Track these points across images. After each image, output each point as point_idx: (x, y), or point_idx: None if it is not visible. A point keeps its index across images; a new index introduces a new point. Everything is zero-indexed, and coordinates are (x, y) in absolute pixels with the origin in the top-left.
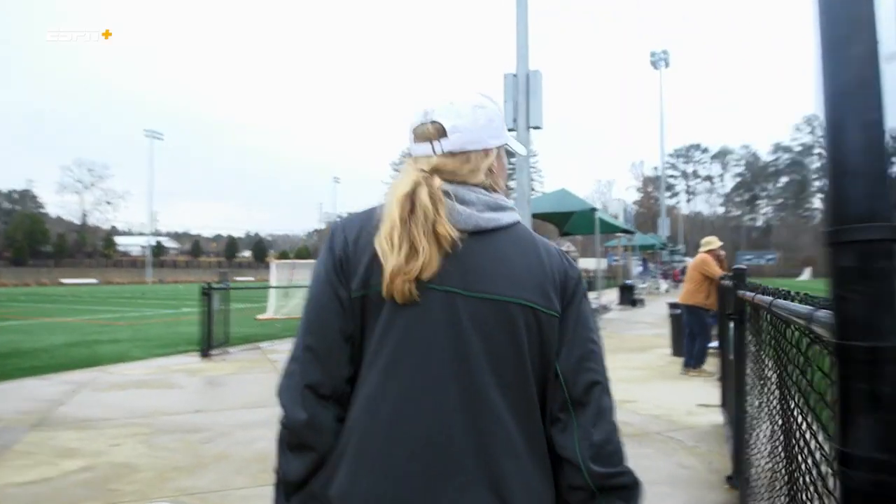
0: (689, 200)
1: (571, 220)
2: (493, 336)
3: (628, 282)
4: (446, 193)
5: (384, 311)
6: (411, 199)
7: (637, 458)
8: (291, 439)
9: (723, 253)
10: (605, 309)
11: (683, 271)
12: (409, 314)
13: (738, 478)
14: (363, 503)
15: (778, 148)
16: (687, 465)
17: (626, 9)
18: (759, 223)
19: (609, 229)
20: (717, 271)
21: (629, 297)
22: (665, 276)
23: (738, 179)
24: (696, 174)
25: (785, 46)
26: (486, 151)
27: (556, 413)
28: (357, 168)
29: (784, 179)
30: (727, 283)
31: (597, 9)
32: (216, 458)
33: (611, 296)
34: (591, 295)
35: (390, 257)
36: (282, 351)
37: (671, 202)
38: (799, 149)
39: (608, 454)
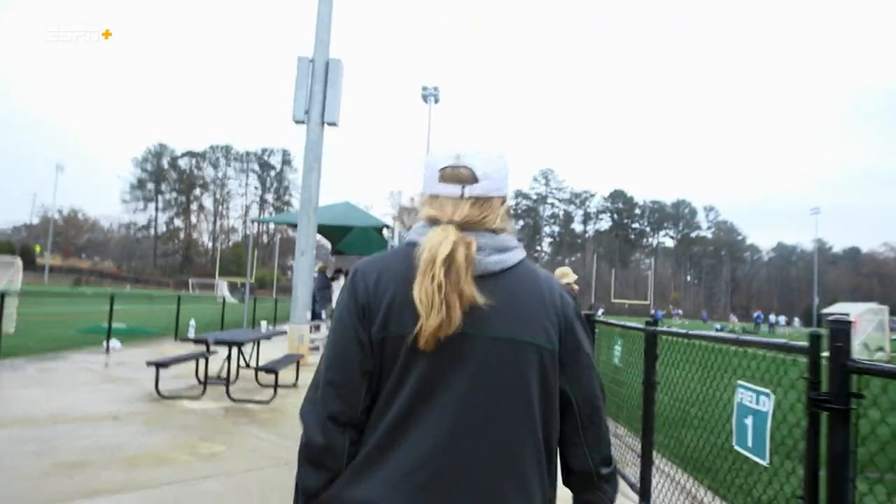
0: None
1: (349, 237)
2: (501, 370)
3: None
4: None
5: (402, 351)
6: (450, 260)
7: None
8: (310, 457)
9: (576, 287)
10: None
11: None
12: (428, 354)
13: None
14: None
15: (518, 194)
16: None
17: (410, 38)
18: None
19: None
20: None
21: None
22: None
23: None
24: None
25: (532, 106)
26: (503, 198)
27: (569, 434)
28: (87, 156)
29: (521, 223)
30: (801, 351)
31: (383, 29)
32: None
33: None
34: None
35: (431, 317)
36: None
37: None
38: (535, 197)
39: (609, 458)
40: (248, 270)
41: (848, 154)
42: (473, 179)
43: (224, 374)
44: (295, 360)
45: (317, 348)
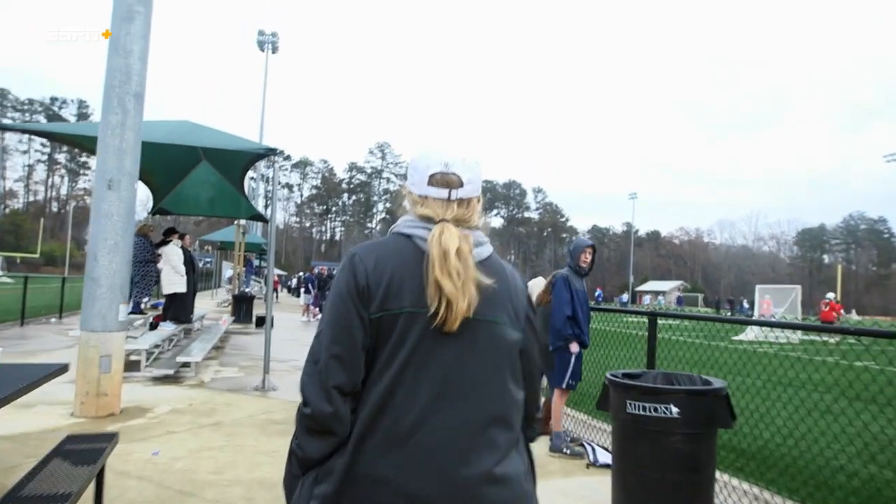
0: (266, 206)
1: (183, 187)
2: (481, 346)
3: (247, 290)
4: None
5: (397, 328)
6: (459, 252)
7: None
8: (316, 426)
9: None
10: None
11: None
12: (422, 331)
13: None
14: (382, 478)
15: (353, 167)
16: None
17: None
18: (328, 236)
19: (247, 214)
20: None
21: (247, 313)
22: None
23: (315, 192)
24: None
25: (374, 74)
26: (479, 198)
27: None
28: None
29: (353, 198)
30: None
31: None
32: None
33: (205, 306)
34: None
35: (460, 301)
36: None
37: None
38: (370, 171)
39: (539, 405)
40: None
41: (657, 152)
42: (460, 184)
43: None
44: (105, 446)
45: (137, 364)
